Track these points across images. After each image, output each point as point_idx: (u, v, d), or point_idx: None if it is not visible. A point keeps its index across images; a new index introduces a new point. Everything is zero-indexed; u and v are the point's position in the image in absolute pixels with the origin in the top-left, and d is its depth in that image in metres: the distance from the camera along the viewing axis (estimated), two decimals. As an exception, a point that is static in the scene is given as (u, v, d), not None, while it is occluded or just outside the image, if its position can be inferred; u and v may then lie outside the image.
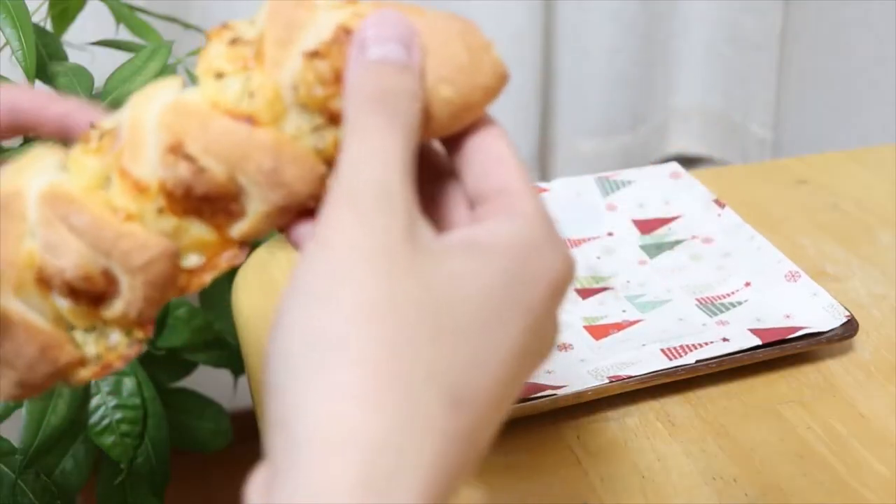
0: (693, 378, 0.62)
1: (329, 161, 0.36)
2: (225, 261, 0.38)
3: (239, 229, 0.37)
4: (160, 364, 0.88)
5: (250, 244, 0.38)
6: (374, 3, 0.36)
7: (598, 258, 0.75)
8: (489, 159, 0.35)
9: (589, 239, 0.77)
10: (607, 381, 0.60)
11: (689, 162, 1.53)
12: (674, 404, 0.61)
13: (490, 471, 0.57)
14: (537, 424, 0.60)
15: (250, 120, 0.36)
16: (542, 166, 1.47)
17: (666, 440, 0.59)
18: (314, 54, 0.35)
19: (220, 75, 0.36)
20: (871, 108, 1.35)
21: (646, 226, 0.78)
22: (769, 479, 0.56)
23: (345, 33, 0.35)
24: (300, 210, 0.37)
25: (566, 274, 0.33)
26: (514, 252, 0.32)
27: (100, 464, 0.80)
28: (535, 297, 0.32)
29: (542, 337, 0.33)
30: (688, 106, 1.52)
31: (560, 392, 0.59)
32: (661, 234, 0.77)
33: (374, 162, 0.31)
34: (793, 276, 0.69)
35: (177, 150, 0.35)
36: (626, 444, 0.59)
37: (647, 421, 0.60)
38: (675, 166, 0.84)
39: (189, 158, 0.35)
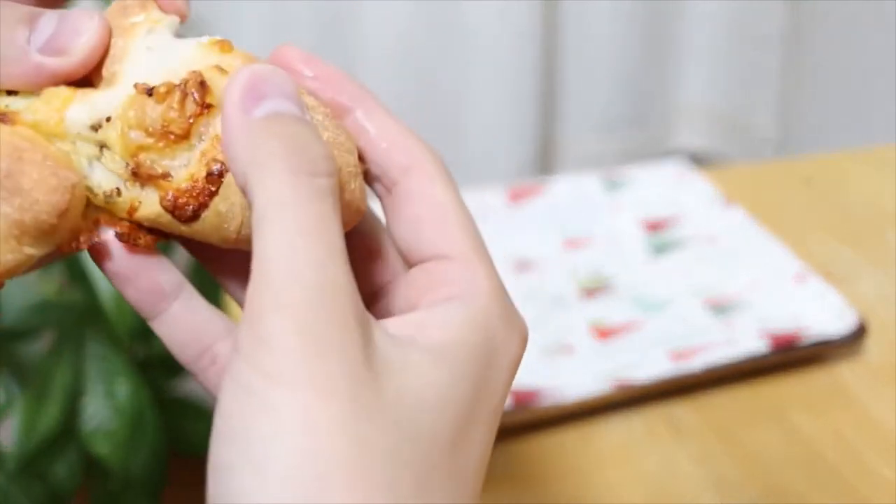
0: (699, 381, 0.62)
1: (111, 212, 0.31)
2: None
3: None
4: (154, 368, 0.87)
5: None
6: (246, 57, 0.31)
7: (602, 258, 0.74)
8: (425, 214, 0.32)
9: (592, 238, 0.76)
10: (612, 385, 0.59)
11: (693, 160, 1.52)
12: (679, 408, 0.61)
13: (494, 479, 0.57)
14: (542, 430, 0.59)
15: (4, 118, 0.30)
16: (546, 163, 1.46)
17: (671, 445, 0.59)
18: (149, 91, 0.30)
19: None
20: (877, 106, 1.35)
21: (651, 225, 0.77)
22: (776, 484, 0.56)
23: (199, 84, 0.30)
24: (63, 247, 0.31)
25: (523, 348, 0.31)
26: (476, 353, 0.29)
27: (94, 469, 0.79)
28: (500, 391, 0.29)
29: (498, 412, 0.30)
30: (692, 103, 1.52)
31: (565, 399, 0.59)
32: (666, 233, 0.76)
33: (311, 255, 0.26)
34: (801, 276, 0.69)
35: None
36: (631, 448, 0.59)
37: (652, 425, 0.60)
38: (680, 164, 0.83)
39: None
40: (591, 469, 0.57)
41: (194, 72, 0.30)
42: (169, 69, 0.30)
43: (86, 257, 0.72)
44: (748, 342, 0.63)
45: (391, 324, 0.29)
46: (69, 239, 0.31)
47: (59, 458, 0.76)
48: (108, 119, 0.30)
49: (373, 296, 0.34)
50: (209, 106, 0.30)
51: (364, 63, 1.26)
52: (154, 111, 0.29)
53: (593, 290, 0.71)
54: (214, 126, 0.30)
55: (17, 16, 0.31)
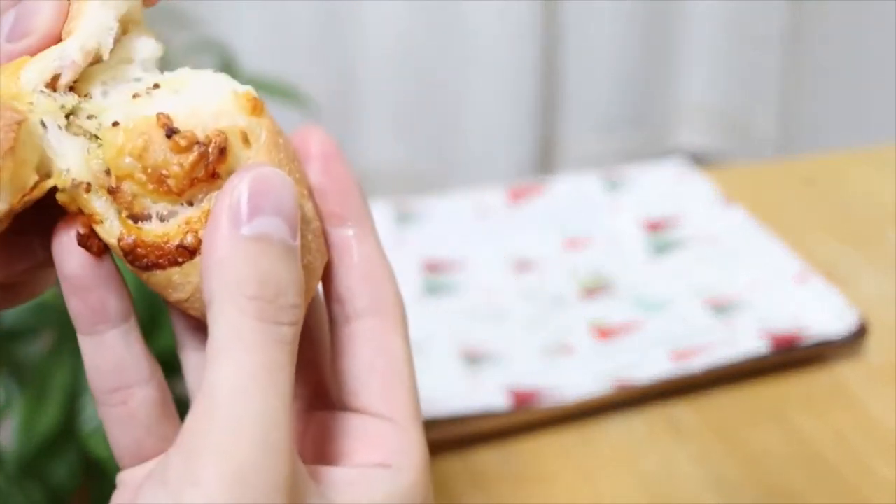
0: (699, 382, 0.62)
1: (70, 197, 0.30)
2: None
3: None
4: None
5: None
6: (272, 130, 0.30)
7: (602, 258, 0.74)
8: (380, 366, 0.32)
9: (593, 238, 0.76)
10: (612, 385, 0.59)
11: (693, 159, 1.52)
12: (679, 408, 0.61)
13: (494, 479, 0.57)
14: (542, 430, 0.59)
15: None
16: (546, 163, 1.46)
17: (671, 445, 0.58)
18: (170, 132, 0.29)
19: None
20: (878, 106, 1.35)
21: (651, 225, 0.77)
22: (776, 484, 0.55)
23: (219, 151, 0.29)
24: (14, 203, 0.29)
25: None
26: None
27: (93, 470, 0.78)
28: None
29: None
30: (693, 103, 1.52)
31: (565, 400, 0.59)
32: (666, 233, 0.76)
33: (260, 407, 0.26)
34: (801, 276, 0.69)
35: None
36: (632, 449, 0.58)
37: (652, 425, 0.60)
38: (680, 163, 0.83)
39: None
40: (592, 469, 0.57)
41: (220, 133, 0.29)
42: (196, 111, 0.29)
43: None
44: (748, 342, 0.63)
45: (323, 469, 0.30)
46: (21, 193, 0.29)
47: (59, 458, 0.76)
48: (116, 123, 0.29)
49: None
50: (217, 176, 0.29)
51: (364, 63, 1.26)
52: (162, 154, 0.29)
53: (593, 290, 0.71)
54: (210, 198, 0.29)
55: None
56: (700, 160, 1.56)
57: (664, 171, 0.82)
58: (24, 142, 0.28)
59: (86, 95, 0.30)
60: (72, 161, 0.29)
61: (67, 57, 0.30)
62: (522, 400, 0.58)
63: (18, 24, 0.31)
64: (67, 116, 0.30)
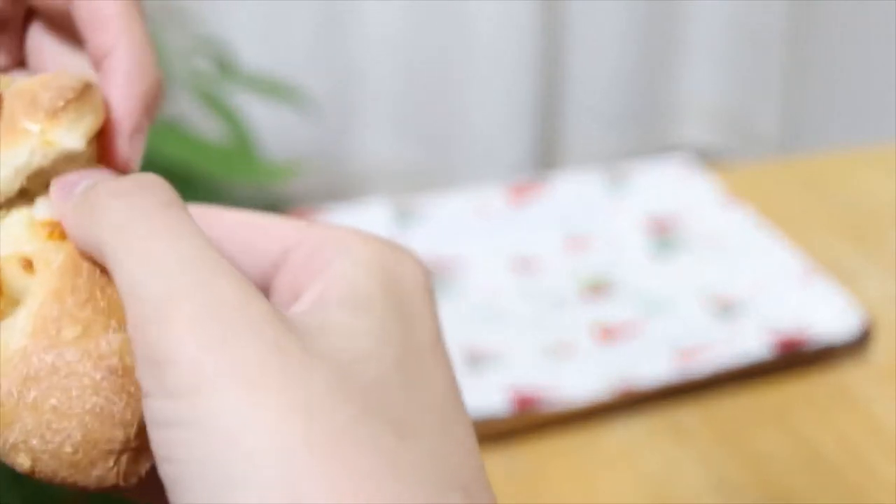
0: (703, 383, 0.62)
1: None
2: None
3: None
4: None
5: None
6: (71, 251, 0.27)
7: (605, 258, 0.74)
8: (239, 228, 0.29)
9: (595, 238, 0.76)
10: (616, 390, 0.59)
11: (696, 156, 1.52)
12: (682, 410, 0.61)
13: (495, 481, 0.56)
14: (543, 432, 0.59)
15: None
16: (548, 159, 1.46)
17: (674, 447, 0.58)
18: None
19: None
20: (882, 103, 1.34)
21: (653, 223, 0.77)
22: (779, 486, 0.55)
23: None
24: None
25: (425, 272, 0.28)
26: (383, 292, 0.26)
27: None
28: (428, 318, 0.28)
29: (434, 342, 0.28)
30: (696, 100, 1.52)
31: (566, 402, 0.59)
32: (669, 232, 0.76)
33: (174, 253, 0.24)
34: (806, 276, 0.68)
35: None
36: (634, 451, 0.58)
37: (654, 427, 0.60)
38: (684, 160, 0.83)
39: None
40: (594, 471, 0.57)
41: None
42: None
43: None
44: (752, 345, 0.62)
45: (292, 308, 0.27)
46: None
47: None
48: None
49: None
50: None
51: (363, 60, 1.25)
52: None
53: (595, 290, 0.71)
54: None
55: None
56: (702, 157, 1.55)
57: (667, 170, 0.82)
58: None
59: None
60: None
61: None
62: (524, 403, 0.58)
63: None
64: None
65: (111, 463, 0.25)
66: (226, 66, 0.98)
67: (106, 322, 0.26)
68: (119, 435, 0.25)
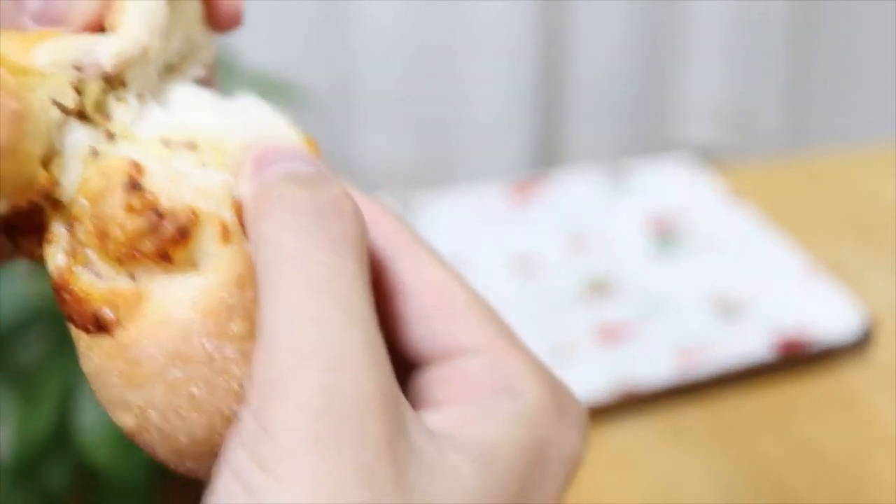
0: (705, 384, 0.61)
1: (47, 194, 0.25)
2: None
3: None
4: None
5: None
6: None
7: (607, 257, 0.74)
8: (429, 306, 0.26)
9: (596, 237, 0.76)
10: (617, 391, 0.59)
11: (700, 153, 1.52)
12: (685, 412, 0.61)
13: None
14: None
15: None
16: (549, 156, 1.46)
17: (676, 448, 0.58)
18: (158, 213, 0.24)
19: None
20: (886, 98, 1.34)
21: (655, 222, 0.77)
22: (782, 487, 0.55)
23: (126, 177, 0.24)
24: (17, 201, 0.25)
25: (582, 442, 0.26)
26: (524, 452, 0.24)
27: (87, 475, 0.78)
28: (552, 494, 0.26)
29: None
30: (698, 96, 1.52)
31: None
32: (671, 231, 0.76)
33: (323, 321, 0.22)
34: (809, 275, 0.68)
35: None
36: (636, 452, 0.58)
37: (657, 429, 0.60)
38: (686, 158, 0.83)
39: None
40: (596, 473, 0.56)
41: (192, 212, 0.24)
42: (185, 176, 0.25)
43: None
44: (754, 345, 0.62)
45: (427, 416, 0.24)
46: (23, 191, 0.25)
47: (53, 463, 0.75)
48: (95, 153, 0.25)
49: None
50: (168, 259, 0.24)
51: (363, 58, 1.25)
52: (115, 208, 0.24)
53: (597, 289, 0.71)
54: (153, 281, 0.24)
55: None
56: (705, 154, 1.55)
57: (668, 169, 0.82)
58: (27, 135, 0.24)
59: (121, 85, 0.26)
60: (71, 148, 0.25)
61: (94, 58, 0.25)
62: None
63: (51, 5, 0.26)
64: (81, 114, 0.25)
65: (210, 462, 0.24)
66: (226, 64, 0.98)
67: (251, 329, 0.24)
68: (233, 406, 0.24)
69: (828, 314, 0.65)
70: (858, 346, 0.63)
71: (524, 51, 1.33)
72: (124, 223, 0.24)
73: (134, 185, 0.24)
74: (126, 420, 0.24)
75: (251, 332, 0.24)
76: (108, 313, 0.24)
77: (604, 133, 1.47)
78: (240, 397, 0.23)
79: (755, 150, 1.50)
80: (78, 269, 0.25)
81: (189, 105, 0.27)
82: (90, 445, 0.71)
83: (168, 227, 0.24)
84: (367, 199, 0.28)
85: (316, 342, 0.22)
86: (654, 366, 0.61)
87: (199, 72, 0.29)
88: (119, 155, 0.25)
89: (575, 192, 0.79)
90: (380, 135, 1.29)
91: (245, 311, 0.24)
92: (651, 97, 1.48)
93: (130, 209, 0.24)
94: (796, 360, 0.62)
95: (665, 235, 0.75)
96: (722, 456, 0.57)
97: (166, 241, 0.24)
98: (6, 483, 0.73)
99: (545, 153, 1.45)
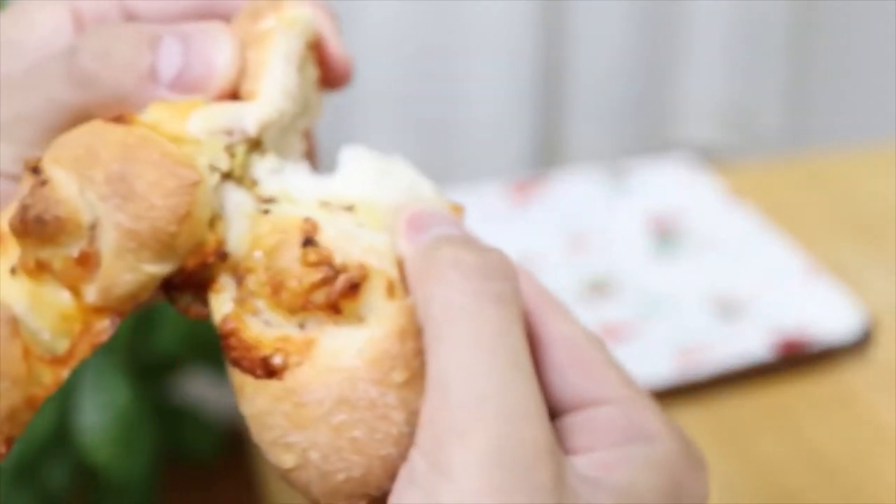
0: (705, 384, 0.61)
1: (216, 246, 0.27)
2: (91, 339, 0.27)
3: (98, 287, 0.26)
4: (150, 371, 0.86)
5: (119, 315, 0.27)
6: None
7: (606, 256, 0.73)
8: (564, 359, 0.29)
9: (596, 236, 0.75)
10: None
11: (700, 153, 1.52)
12: (683, 409, 0.61)
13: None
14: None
15: (123, 120, 0.27)
16: (549, 156, 1.46)
17: (676, 449, 0.58)
18: (332, 272, 0.26)
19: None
20: (886, 98, 1.34)
21: (656, 221, 0.77)
22: (783, 487, 0.55)
23: (302, 234, 0.27)
24: (188, 264, 0.27)
25: (708, 485, 0.28)
26: (664, 496, 0.27)
27: (87, 475, 0.78)
28: None
29: None
30: (698, 96, 1.52)
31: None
32: (671, 231, 0.76)
33: (493, 373, 0.24)
34: (809, 275, 0.68)
35: (30, 165, 0.27)
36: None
37: (656, 428, 0.59)
38: (686, 158, 0.83)
39: (35, 170, 0.26)
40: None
41: (362, 268, 0.26)
42: (352, 235, 0.27)
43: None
44: (754, 345, 0.62)
45: (574, 461, 0.26)
46: (194, 254, 0.27)
47: (53, 463, 0.75)
48: (267, 211, 0.27)
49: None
50: (338, 311, 0.26)
51: (363, 58, 1.25)
52: (290, 262, 0.26)
53: (597, 289, 0.71)
54: (323, 331, 0.26)
55: (140, 38, 0.28)
56: (705, 154, 1.55)
57: (669, 169, 0.82)
58: (199, 202, 0.26)
59: (259, 149, 0.28)
60: (231, 211, 0.27)
61: (240, 125, 0.28)
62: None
63: (189, 73, 0.28)
64: (229, 175, 0.28)
65: (360, 501, 0.26)
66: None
67: (415, 388, 0.26)
68: (385, 486, 0.26)
69: (828, 314, 0.64)
70: (858, 346, 0.63)
71: (524, 51, 1.33)
72: (301, 276, 0.26)
73: (310, 241, 0.26)
74: (286, 459, 0.26)
75: (410, 381, 0.26)
76: (277, 359, 0.26)
77: (604, 133, 1.47)
78: (398, 441, 0.26)
79: (755, 150, 1.50)
80: (247, 318, 0.26)
81: (342, 170, 0.29)
82: (90, 446, 0.71)
83: (341, 282, 0.26)
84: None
85: (490, 393, 0.24)
86: (654, 366, 0.61)
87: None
88: (289, 212, 0.27)
89: (575, 192, 0.79)
90: (380, 135, 1.29)
91: (405, 361, 0.26)
92: (651, 97, 1.48)
93: (307, 263, 0.26)
94: (796, 360, 0.62)
95: (665, 235, 0.75)
96: (721, 455, 0.57)
97: (338, 294, 0.26)
98: (7, 483, 0.73)
99: (545, 153, 1.45)
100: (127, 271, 0.26)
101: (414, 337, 0.26)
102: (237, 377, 0.27)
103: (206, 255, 0.27)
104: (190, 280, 0.27)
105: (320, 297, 0.26)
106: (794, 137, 1.48)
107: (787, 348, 0.62)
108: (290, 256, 0.26)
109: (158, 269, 0.27)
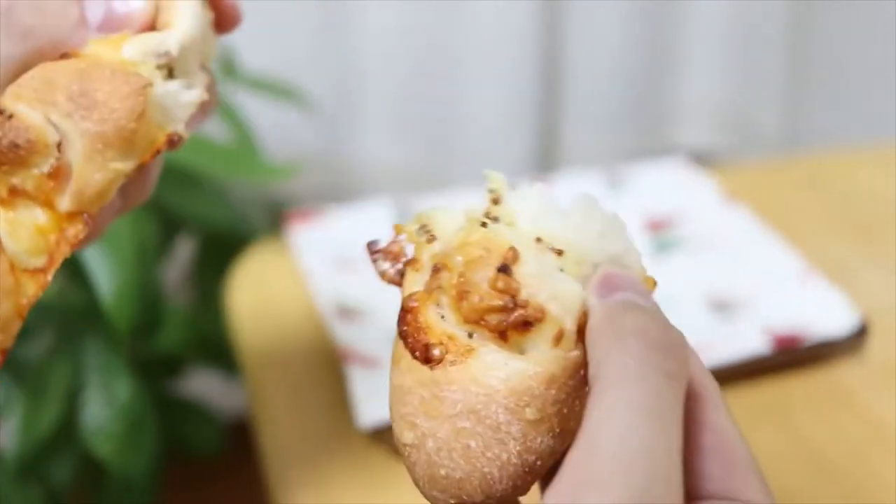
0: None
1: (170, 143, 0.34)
2: (68, 242, 0.32)
3: (71, 193, 0.32)
4: (153, 368, 0.87)
5: (90, 216, 0.33)
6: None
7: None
8: (717, 446, 0.30)
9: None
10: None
11: (698, 157, 1.52)
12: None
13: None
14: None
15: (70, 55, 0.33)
16: (548, 159, 1.46)
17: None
18: (518, 318, 0.29)
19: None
20: (884, 100, 1.34)
21: (653, 224, 0.77)
22: (779, 484, 0.55)
23: (501, 258, 0.29)
24: (144, 159, 0.33)
25: None
26: None
27: (91, 471, 0.78)
28: None
29: None
30: (696, 99, 1.51)
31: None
32: (668, 232, 0.76)
33: (646, 438, 0.26)
34: (804, 275, 0.68)
35: None
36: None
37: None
38: (683, 161, 0.83)
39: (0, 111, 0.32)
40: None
41: (542, 312, 0.29)
42: (548, 279, 0.29)
43: (85, 258, 0.72)
44: (751, 342, 0.62)
45: None
46: (149, 149, 0.33)
47: (58, 458, 0.76)
48: (484, 224, 0.30)
49: None
50: (504, 337, 0.29)
51: (363, 59, 1.25)
52: (481, 279, 0.29)
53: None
54: (484, 345, 0.29)
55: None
56: (703, 158, 1.55)
57: (667, 168, 0.82)
58: (151, 101, 0.33)
59: (172, 75, 0.35)
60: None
61: (165, 48, 0.34)
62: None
63: (112, 16, 0.35)
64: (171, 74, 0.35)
65: (449, 500, 0.29)
66: (228, 67, 0.99)
67: (553, 426, 0.29)
68: (476, 498, 0.29)
69: (824, 312, 0.65)
70: (852, 344, 0.63)
71: (523, 54, 1.33)
72: (485, 295, 0.28)
73: (505, 269, 0.29)
74: (407, 435, 0.29)
75: (537, 423, 0.28)
76: (437, 351, 0.29)
77: (602, 136, 1.47)
78: (503, 466, 0.28)
79: (753, 152, 1.50)
80: (429, 304, 0.30)
81: (567, 214, 0.33)
82: (95, 442, 0.71)
83: (516, 316, 0.28)
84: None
85: (638, 455, 0.25)
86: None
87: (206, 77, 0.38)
88: (503, 234, 0.30)
89: (573, 193, 0.79)
90: (380, 136, 1.29)
91: (542, 404, 0.28)
92: (649, 100, 1.48)
93: (494, 286, 0.28)
94: (792, 358, 0.62)
95: (662, 236, 0.76)
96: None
97: (510, 325, 0.28)
98: (12, 478, 0.74)
99: (543, 157, 1.45)
100: (97, 171, 0.32)
101: (559, 388, 0.28)
102: (399, 348, 0.30)
103: (158, 149, 0.33)
104: (395, 252, 0.32)
105: (493, 320, 0.28)
106: (791, 139, 1.48)
107: (783, 345, 0.62)
108: (483, 274, 0.29)
109: (123, 165, 0.32)
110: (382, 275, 0.32)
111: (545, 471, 0.29)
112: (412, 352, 0.29)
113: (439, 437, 0.28)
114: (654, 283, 0.32)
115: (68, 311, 0.76)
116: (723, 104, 1.51)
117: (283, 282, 0.73)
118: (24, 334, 0.76)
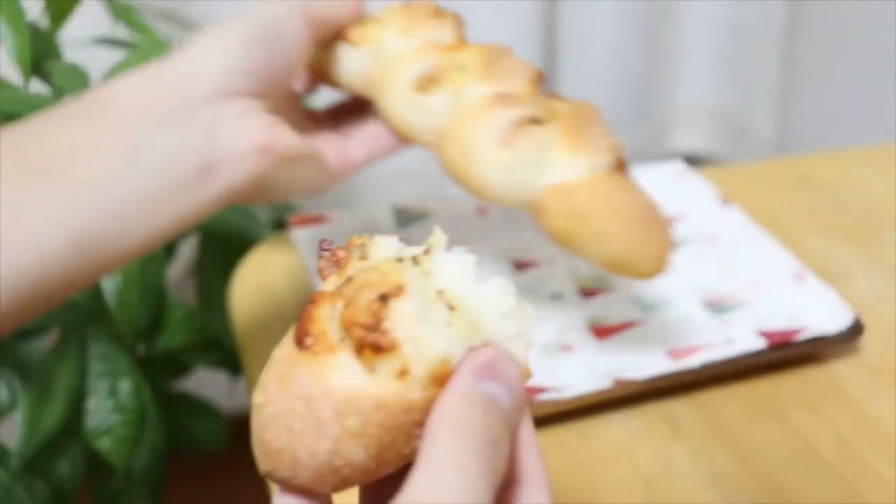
0: (698, 380, 0.62)
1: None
2: None
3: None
4: (157, 366, 0.87)
5: None
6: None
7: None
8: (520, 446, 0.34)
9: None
10: (611, 383, 0.59)
11: (693, 160, 1.52)
12: (678, 406, 0.61)
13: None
14: (540, 427, 0.59)
15: None
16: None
17: (670, 443, 0.58)
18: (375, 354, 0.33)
19: None
20: (877, 105, 1.34)
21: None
22: (774, 482, 0.55)
23: (380, 300, 0.33)
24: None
25: None
26: None
27: (96, 467, 0.79)
28: None
29: None
30: (691, 103, 1.52)
31: (563, 395, 0.59)
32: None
33: (473, 484, 0.30)
34: (798, 275, 0.69)
35: None
36: (630, 446, 0.58)
37: (650, 423, 0.60)
38: (679, 164, 0.83)
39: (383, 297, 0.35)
40: (590, 467, 0.57)
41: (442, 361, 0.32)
42: (422, 337, 0.32)
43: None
44: (746, 340, 0.63)
45: None
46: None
47: (63, 456, 0.76)
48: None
49: None
50: (360, 351, 0.32)
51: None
52: (358, 307, 0.32)
53: (592, 288, 0.71)
54: (345, 351, 0.33)
55: None
56: (698, 161, 1.56)
57: (663, 172, 0.82)
58: None
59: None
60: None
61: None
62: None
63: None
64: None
65: (265, 468, 0.33)
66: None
67: (369, 445, 0.32)
68: (293, 476, 0.33)
69: (817, 311, 0.65)
70: (847, 343, 0.64)
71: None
72: (357, 311, 0.32)
73: (385, 298, 0.32)
74: (258, 395, 0.33)
75: (356, 435, 0.32)
76: (310, 339, 0.33)
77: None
78: (311, 455, 0.32)
79: (750, 156, 1.50)
80: (328, 302, 0.33)
81: (482, 286, 0.35)
82: (100, 439, 0.72)
83: (372, 338, 0.32)
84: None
85: (458, 493, 0.29)
86: (647, 362, 0.61)
87: None
88: (405, 273, 0.33)
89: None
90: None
91: (365, 421, 0.32)
92: (645, 106, 1.48)
93: (368, 308, 0.32)
94: (787, 355, 0.63)
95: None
96: (714, 449, 0.58)
97: (365, 343, 0.32)
98: (16, 475, 0.74)
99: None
100: None
101: (388, 416, 0.32)
102: (292, 329, 0.34)
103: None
104: (336, 258, 0.36)
105: (356, 334, 0.32)
106: (786, 145, 1.49)
107: (777, 344, 0.62)
108: (368, 295, 0.32)
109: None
110: (320, 271, 0.36)
111: (354, 484, 0.33)
112: (295, 333, 0.33)
113: (276, 407, 0.32)
114: (530, 375, 0.35)
115: (73, 309, 0.77)
116: (718, 110, 1.51)
117: (285, 282, 0.74)
118: (29, 332, 0.76)
